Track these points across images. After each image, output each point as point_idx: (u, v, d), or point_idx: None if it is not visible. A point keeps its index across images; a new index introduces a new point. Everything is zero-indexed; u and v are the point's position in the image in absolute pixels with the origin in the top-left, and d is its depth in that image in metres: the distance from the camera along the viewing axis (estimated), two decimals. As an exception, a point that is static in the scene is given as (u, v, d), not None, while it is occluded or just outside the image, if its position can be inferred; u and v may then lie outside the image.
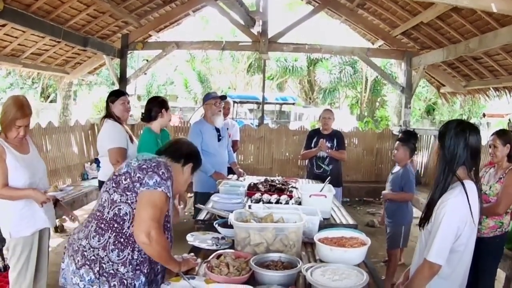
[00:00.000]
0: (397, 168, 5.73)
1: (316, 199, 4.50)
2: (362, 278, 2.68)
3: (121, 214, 2.70)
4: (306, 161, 7.73)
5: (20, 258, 3.87)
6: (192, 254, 3.25)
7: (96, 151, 10.28)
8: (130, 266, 2.69)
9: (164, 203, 2.69)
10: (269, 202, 4.75)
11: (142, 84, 30.92)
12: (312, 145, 7.33)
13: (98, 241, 2.69)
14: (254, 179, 6.21)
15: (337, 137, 7.32)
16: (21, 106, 3.77)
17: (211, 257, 3.04)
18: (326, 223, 4.31)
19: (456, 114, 25.24)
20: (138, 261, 2.73)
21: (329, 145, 7.15)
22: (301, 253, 3.37)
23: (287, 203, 4.77)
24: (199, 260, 3.17)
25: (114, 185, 2.75)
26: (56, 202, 4.28)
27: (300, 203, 4.63)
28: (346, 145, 7.70)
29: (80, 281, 2.70)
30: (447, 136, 2.87)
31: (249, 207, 4.12)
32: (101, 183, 5.48)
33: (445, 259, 2.84)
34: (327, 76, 27.06)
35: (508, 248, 4.59)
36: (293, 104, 25.57)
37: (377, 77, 25.36)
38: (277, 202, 4.82)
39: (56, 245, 7.02)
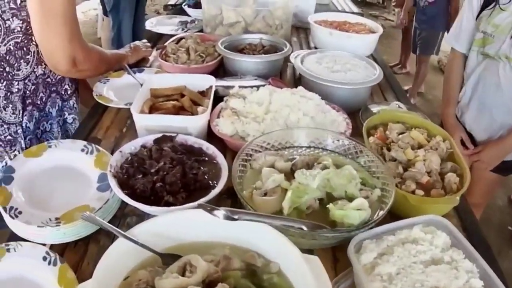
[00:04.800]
0: None
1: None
2: (374, 72, 1.88)
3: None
4: None
5: None
6: (145, 40, 2.43)
7: None
8: (34, 121, 1.80)
9: (74, 5, 1.61)
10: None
11: None
12: None
13: None
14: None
15: None
16: None
17: (168, 41, 2.23)
18: (325, 10, 3.47)
19: None
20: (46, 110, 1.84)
21: None
22: (290, 38, 2.56)
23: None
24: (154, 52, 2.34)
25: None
26: None
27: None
28: None
29: None
30: None
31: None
32: None
33: None
34: None
35: None
36: None
37: None
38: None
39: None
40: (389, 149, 1.45)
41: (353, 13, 3.47)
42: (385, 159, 1.41)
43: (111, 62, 1.98)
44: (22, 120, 1.73)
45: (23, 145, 1.75)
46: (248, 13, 2.33)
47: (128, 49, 2.19)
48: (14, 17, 1.56)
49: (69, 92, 1.89)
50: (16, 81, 1.65)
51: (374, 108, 1.84)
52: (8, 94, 1.65)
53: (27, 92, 1.72)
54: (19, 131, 1.73)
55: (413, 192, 1.28)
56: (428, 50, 5.08)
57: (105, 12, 5.00)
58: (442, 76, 6.08)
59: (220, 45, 2.04)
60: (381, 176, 1.25)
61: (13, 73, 1.64)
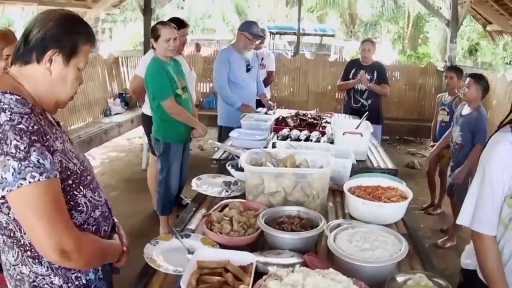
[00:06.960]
0: (467, 110, 4.97)
1: (351, 138, 3.96)
2: (400, 247, 2.06)
3: (4, 225, 1.72)
4: (344, 93, 7.11)
5: None
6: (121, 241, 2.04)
7: (120, 85, 9.88)
8: (64, 270, 1.83)
9: (51, 192, 1.60)
10: (298, 139, 4.24)
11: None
12: (350, 76, 6.74)
13: (13, 257, 1.79)
14: (284, 113, 5.57)
15: (378, 70, 6.66)
16: (4, 34, 3.14)
17: (213, 209, 2.47)
18: (361, 166, 3.77)
19: (498, 56, 23.42)
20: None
21: (368, 77, 6.54)
22: (327, 205, 2.77)
23: (318, 140, 4.23)
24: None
25: None
26: None
27: (333, 142, 4.13)
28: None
29: None
30: None
31: (273, 145, 3.56)
32: (145, 117, 5.49)
33: None
34: (369, 9, 25.57)
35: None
36: (333, 36, 24.36)
37: (419, 13, 23.63)
38: (307, 139, 4.30)
39: None
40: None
41: (388, 170, 3.70)
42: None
43: (105, 253, 1.87)
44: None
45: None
46: (288, 184, 2.56)
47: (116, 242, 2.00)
48: None
49: None
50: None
51: (400, 278, 1.95)
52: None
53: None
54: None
55: None
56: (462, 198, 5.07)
57: (153, 152, 5.30)
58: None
59: (261, 218, 2.25)
60: None
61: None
